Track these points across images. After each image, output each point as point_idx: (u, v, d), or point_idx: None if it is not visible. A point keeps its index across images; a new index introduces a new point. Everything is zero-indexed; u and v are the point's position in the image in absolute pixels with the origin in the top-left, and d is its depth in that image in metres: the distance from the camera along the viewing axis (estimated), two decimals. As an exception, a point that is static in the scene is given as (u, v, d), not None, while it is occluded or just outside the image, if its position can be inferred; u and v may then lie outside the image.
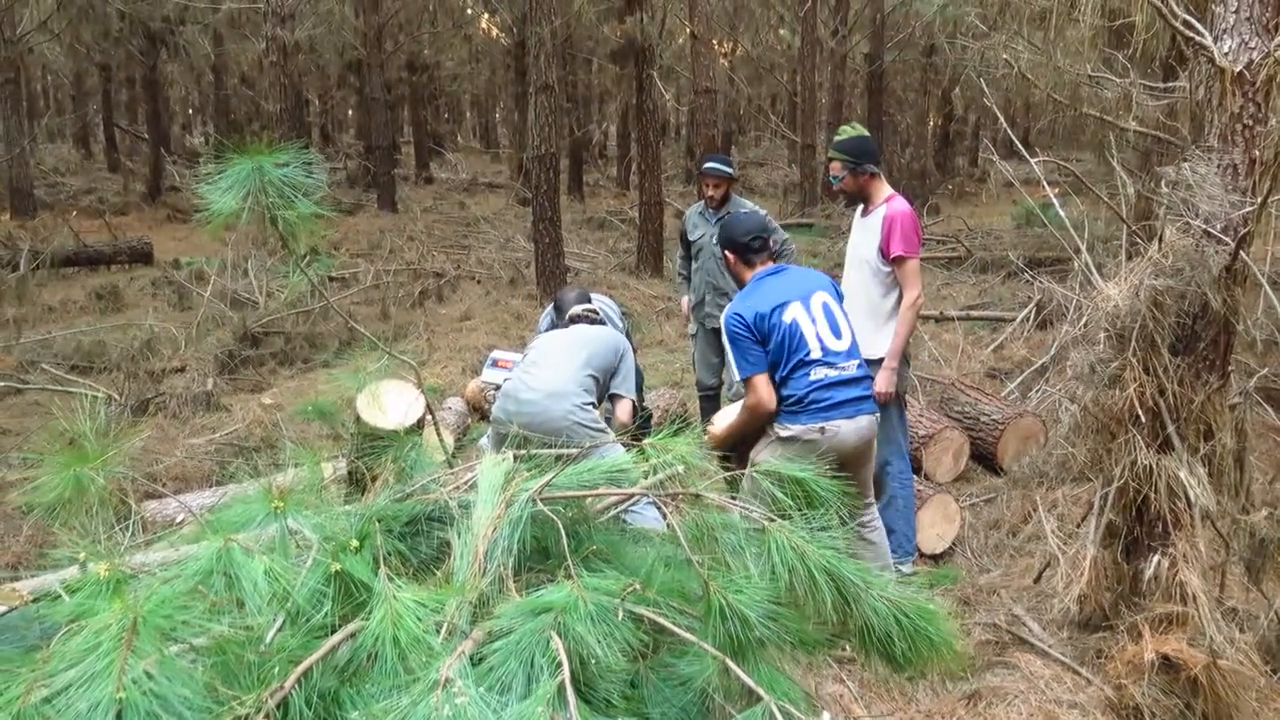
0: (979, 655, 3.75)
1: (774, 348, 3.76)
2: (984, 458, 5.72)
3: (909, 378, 4.83)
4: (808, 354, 3.76)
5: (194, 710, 1.53)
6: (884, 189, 4.61)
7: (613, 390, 4.46)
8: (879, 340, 4.43)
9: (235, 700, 1.62)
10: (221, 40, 19.93)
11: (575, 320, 4.74)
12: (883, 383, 4.30)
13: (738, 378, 3.86)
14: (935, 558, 4.76)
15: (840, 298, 4.03)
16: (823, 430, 3.71)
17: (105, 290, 10.68)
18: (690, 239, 5.96)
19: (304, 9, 16.91)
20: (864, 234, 4.61)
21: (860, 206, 4.71)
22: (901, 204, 4.53)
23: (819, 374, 3.75)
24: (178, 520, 4.25)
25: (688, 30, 12.99)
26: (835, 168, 4.62)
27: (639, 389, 4.78)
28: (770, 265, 4.04)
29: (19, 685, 1.52)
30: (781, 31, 23.38)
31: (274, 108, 14.04)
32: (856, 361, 3.87)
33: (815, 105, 18.66)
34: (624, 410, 4.46)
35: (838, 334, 3.86)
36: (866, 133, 4.72)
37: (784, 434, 3.74)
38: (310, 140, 22.53)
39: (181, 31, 18.54)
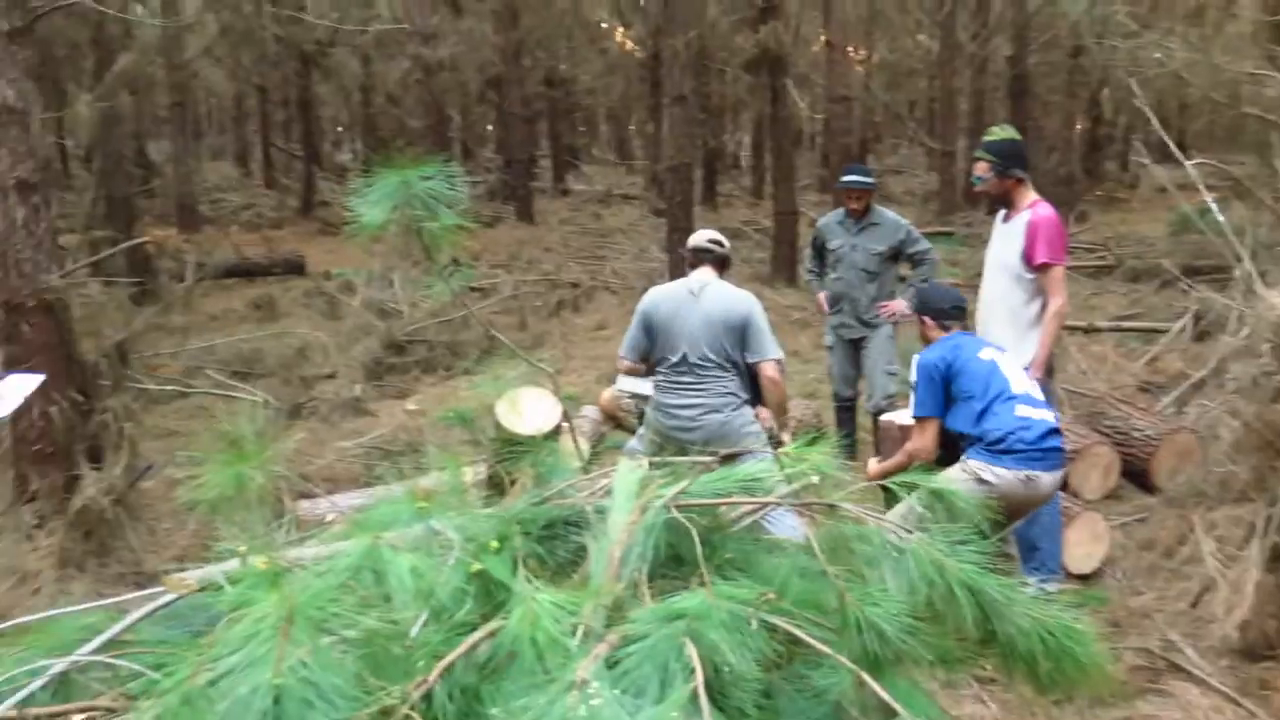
0: (1131, 681, 3.58)
1: (967, 382, 3.78)
2: (1136, 475, 5.47)
3: (1053, 390, 4.67)
4: (1009, 389, 3.76)
5: (345, 699, 1.60)
6: (1029, 194, 4.47)
7: (749, 361, 4.28)
8: (1020, 350, 4.30)
9: (383, 691, 1.68)
10: (369, 61, 20.75)
11: (699, 254, 4.47)
12: (1028, 392, 4.18)
13: (912, 414, 3.95)
14: (1082, 578, 4.56)
15: None
16: (1027, 479, 3.66)
17: (262, 300, 11.27)
18: (829, 248, 5.89)
19: (446, 28, 17.46)
20: (1006, 240, 4.48)
21: (1002, 212, 4.58)
22: (1046, 209, 4.39)
23: (1022, 411, 3.72)
24: (328, 519, 4.42)
25: (823, 38, 12.87)
26: (982, 168, 4.49)
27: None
28: (961, 330, 4.10)
29: (187, 668, 1.61)
30: (920, 36, 22.91)
31: (418, 124, 14.55)
32: (1054, 414, 3.86)
33: (955, 111, 18.21)
34: (770, 370, 4.27)
35: (1034, 386, 3.90)
36: (1018, 135, 4.60)
37: (986, 477, 3.65)
38: (452, 155, 23.22)
39: (332, 53, 19.40)
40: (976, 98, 19.23)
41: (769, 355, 4.27)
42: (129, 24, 12.22)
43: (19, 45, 5.26)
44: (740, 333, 4.25)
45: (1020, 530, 4.17)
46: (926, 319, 4.14)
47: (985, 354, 3.89)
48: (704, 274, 4.41)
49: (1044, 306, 4.36)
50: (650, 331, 4.37)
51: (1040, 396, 3.88)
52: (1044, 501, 3.88)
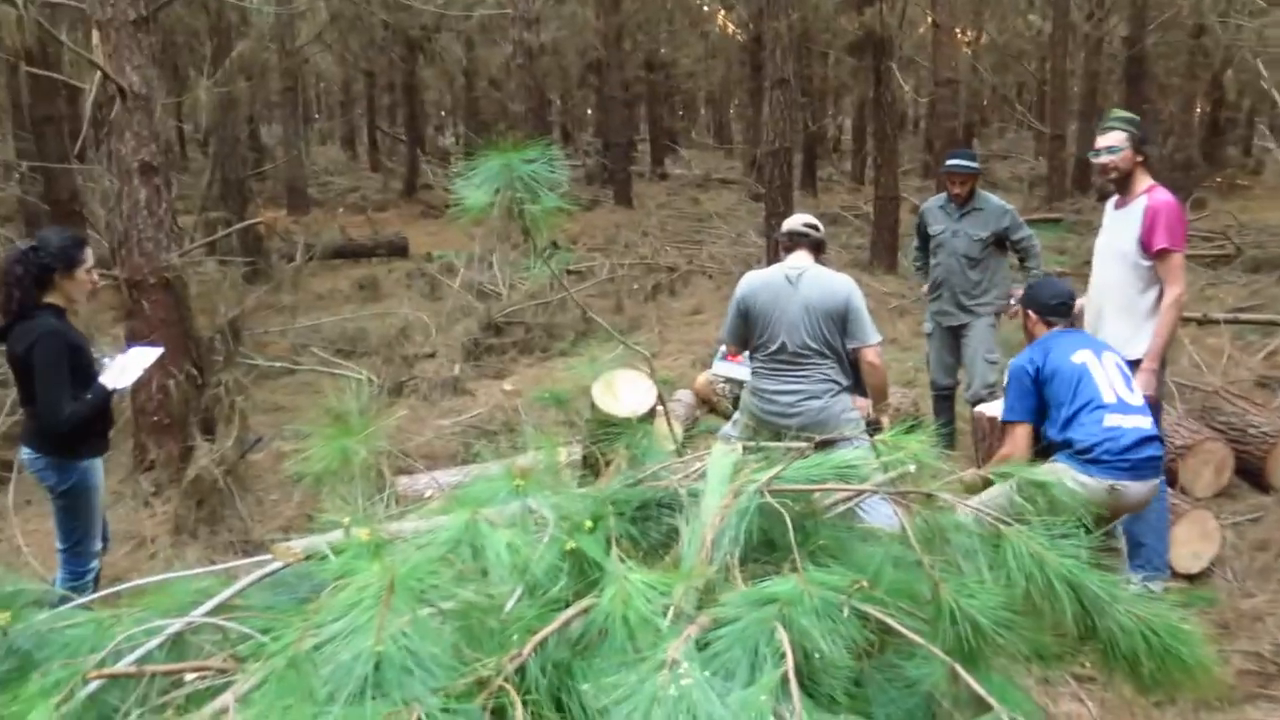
0: (1239, 685, 3.46)
1: (1057, 387, 3.67)
2: (1251, 473, 5.25)
3: (1165, 383, 4.50)
4: (1098, 398, 3.62)
5: (442, 668, 1.64)
6: (1146, 179, 4.30)
7: (850, 346, 4.23)
8: (1135, 341, 4.14)
9: (478, 662, 1.73)
10: (472, 45, 21.03)
11: (795, 238, 4.39)
12: (1140, 385, 4.02)
13: (1001, 419, 3.88)
14: (1190, 578, 4.41)
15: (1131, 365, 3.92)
16: (1112, 489, 3.53)
17: (366, 281, 11.56)
18: (930, 233, 5.78)
19: (548, 12, 17.60)
20: (1121, 225, 4.32)
21: (1114, 198, 4.43)
22: (1165, 194, 4.22)
23: (1113, 421, 3.57)
24: (427, 494, 4.54)
25: (929, 19, 12.59)
26: (1118, 138, 4.26)
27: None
28: (1066, 328, 3.97)
29: (293, 633, 1.68)
30: (1030, 17, 22.22)
31: (519, 108, 14.71)
32: (1150, 419, 3.68)
33: (1066, 94, 17.62)
34: (871, 355, 4.22)
35: (1130, 389, 3.73)
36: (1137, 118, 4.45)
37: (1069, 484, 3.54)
38: (552, 139, 23.40)
39: (437, 39, 19.73)
40: (1089, 80, 18.55)
41: (869, 340, 4.22)
42: (245, 12, 12.63)
43: (144, 33, 5.49)
44: (840, 319, 4.20)
45: (1126, 526, 4.03)
46: (1031, 313, 4.03)
47: (1078, 356, 3.72)
48: (800, 259, 4.35)
49: (1160, 295, 4.19)
50: (748, 318, 4.33)
51: (1138, 401, 3.70)
52: (1137, 509, 3.72)
